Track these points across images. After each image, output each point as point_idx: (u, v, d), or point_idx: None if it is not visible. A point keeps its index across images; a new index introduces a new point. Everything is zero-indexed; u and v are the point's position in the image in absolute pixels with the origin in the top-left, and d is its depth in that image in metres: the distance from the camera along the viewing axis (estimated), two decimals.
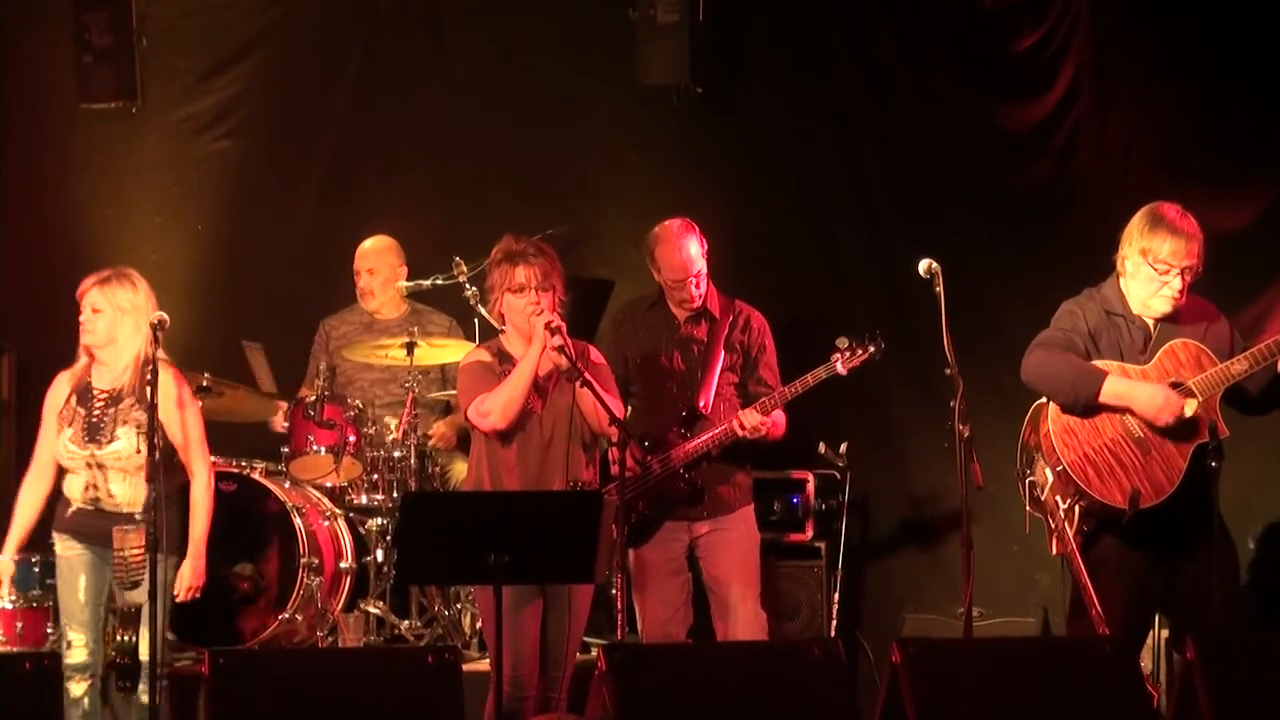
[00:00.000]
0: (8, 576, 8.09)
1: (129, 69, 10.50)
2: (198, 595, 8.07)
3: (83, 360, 8.07)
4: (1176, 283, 7.66)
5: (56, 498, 8.07)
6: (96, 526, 7.94)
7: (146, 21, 10.51)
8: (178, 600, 8.00)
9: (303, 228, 10.75)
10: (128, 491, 7.87)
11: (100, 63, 10.45)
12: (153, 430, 7.69)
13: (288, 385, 10.04)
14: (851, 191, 10.48)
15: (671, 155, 10.51)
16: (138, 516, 7.83)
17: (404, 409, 9.66)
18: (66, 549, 8.05)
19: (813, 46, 10.44)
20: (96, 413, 7.98)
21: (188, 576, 8.00)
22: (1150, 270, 7.68)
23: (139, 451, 7.86)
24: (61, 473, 8.06)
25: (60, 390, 8.07)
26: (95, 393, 7.99)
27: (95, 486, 7.95)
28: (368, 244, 10.15)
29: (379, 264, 10.10)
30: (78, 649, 7.97)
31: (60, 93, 10.61)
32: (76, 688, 7.93)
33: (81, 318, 7.96)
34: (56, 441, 8.00)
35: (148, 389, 7.79)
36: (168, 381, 8.00)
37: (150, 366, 7.72)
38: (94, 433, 7.94)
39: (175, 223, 10.74)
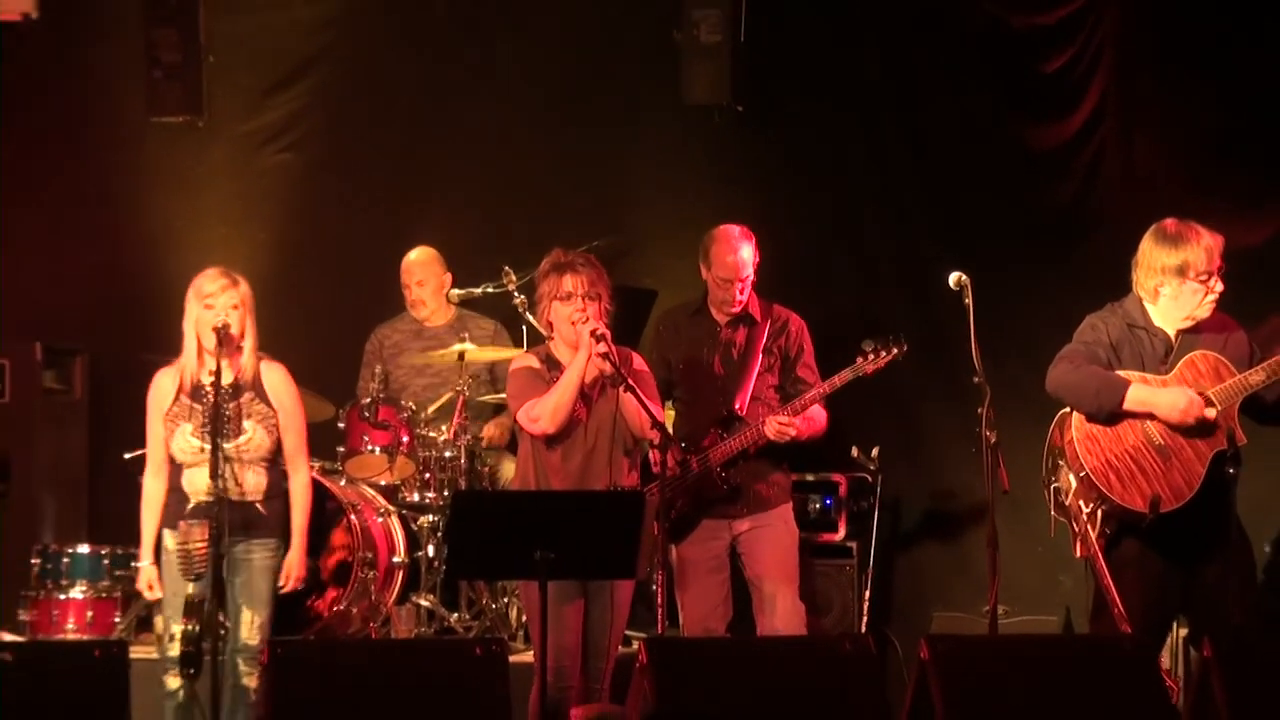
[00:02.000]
0: (156, 579, 7.92)
1: (196, 84, 10.55)
2: (300, 585, 8.06)
3: (186, 357, 7.92)
4: (1218, 284, 7.67)
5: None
6: (204, 514, 7.74)
7: (213, 39, 10.56)
8: (283, 590, 7.96)
9: (359, 237, 10.79)
10: (253, 480, 7.81)
11: (169, 78, 10.51)
12: (217, 429, 7.70)
13: (344, 388, 10.05)
14: (883, 205, 10.49)
15: (713, 171, 10.51)
16: (260, 506, 7.81)
17: (454, 413, 9.67)
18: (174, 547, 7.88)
19: (848, 67, 10.44)
20: (215, 408, 7.80)
21: (295, 567, 7.97)
22: (1194, 285, 7.67)
23: (263, 443, 7.86)
24: (176, 468, 7.92)
25: (164, 389, 7.93)
26: (209, 388, 7.82)
27: (222, 478, 7.76)
28: (413, 256, 10.18)
29: (425, 275, 10.12)
30: (176, 644, 7.75)
31: (130, 107, 10.66)
32: (172, 680, 7.80)
33: (213, 314, 7.79)
34: (171, 440, 7.87)
35: (263, 384, 7.87)
36: (287, 381, 8.01)
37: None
38: (215, 426, 7.76)
39: (238, 232, 10.78)
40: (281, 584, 7.92)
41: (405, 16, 10.85)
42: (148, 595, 8.03)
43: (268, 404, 7.90)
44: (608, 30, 10.68)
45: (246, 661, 7.82)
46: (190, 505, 7.82)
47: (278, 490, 7.93)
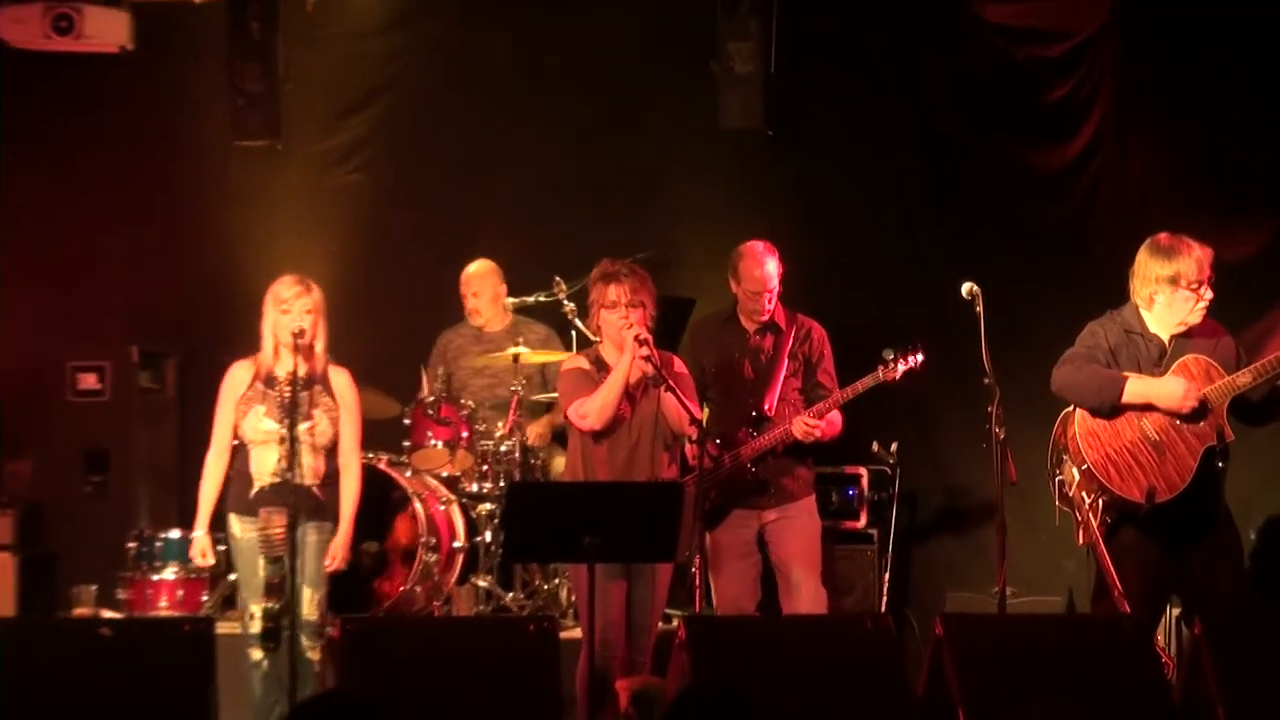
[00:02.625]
0: (210, 548, 7.99)
1: (275, 111, 10.57)
2: (343, 568, 8.04)
3: (265, 351, 7.97)
4: (1208, 292, 7.70)
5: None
6: (277, 500, 7.80)
7: (290, 71, 10.58)
8: (328, 569, 7.96)
9: (421, 250, 10.80)
10: (312, 465, 7.83)
11: (251, 106, 10.53)
12: (294, 420, 7.77)
13: (407, 387, 10.06)
14: (901, 221, 10.50)
15: (745, 190, 10.51)
16: (317, 491, 7.84)
17: (509, 410, 9.70)
18: (245, 531, 7.87)
19: (869, 95, 10.44)
20: (289, 394, 7.86)
21: (340, 549, 7.97)
22: (1186, 293, 7.68)
23: (327, 431, 7.90)
24: (240, 453, 7.98)
25: (240, 377, 7.97)
26: (282, 379, 7.89)
27: (286, 459, 7.83)
28: (471, 268, 10.18)
29: (482, 286, 10.13)
30: (258, 621, 7.81)
31: (216, 132, 10.69)
32: (256, 653, 7.84)
33: (289, 318, 7.87)
34: (243, 421, 7.91)
35: (330, 381, 7.95)
36: (350, 383, 8.07)
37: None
38: (290, 411, 7.83)
39: (312, 244, 10.77)
40: (327, 564, 7.94)
41: (463, 51, 10.86)
42: (199, 561, 8.11)
43: (332, 398, 7.96)
44: (650, 62, 10.68)
45: (309, 636, 7.86)
46: (255, 489, 7.87)
47: (332, 479, 7.95)
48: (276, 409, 7.86)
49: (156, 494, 9.82)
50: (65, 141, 10.60)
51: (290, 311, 7.88)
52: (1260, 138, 9.76)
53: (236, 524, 7.92)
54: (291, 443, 7.78)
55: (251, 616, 7.83)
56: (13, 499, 10.15)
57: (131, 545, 9.14)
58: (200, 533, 7.98)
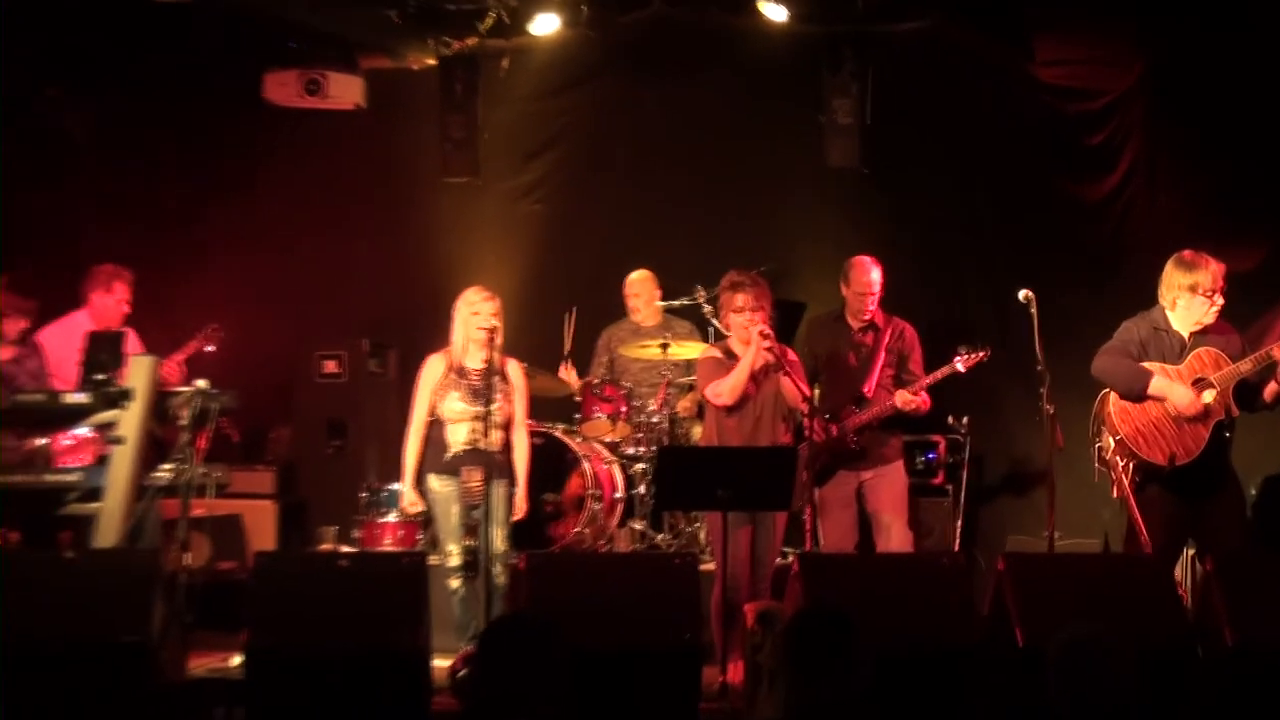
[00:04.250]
0: (417, 498, 8.10)
1: (474, 155, 10.60)
2: (523, 517, 8.15)
3: (455, 346, 8.05)
4: (1219, 299, 7.67)
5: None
6: (473, 461, 7.89)
7: (487, 123, 10.62)
8: (515, 519, 8.06)
9: (590, 263, 10.80)
10: (497, 436, 7.92)
11: (456, 151, 10.57)
12: (488, 400, 7.84)
13: (579, 371, 10.14)
14: (972, 241, 10.44)
15: (846, 216, 10.47)
16: (498, 455, 7.92)
17: (659, 390, 9.74)
18: (443, 486, 7.96)
19: (947, 142, 10.39)
20: (479, 382, 7.95)
21: (521, 501, 8.09)
22: (1202, 299, 7.64)
23: (505, 409, 7.98)
24: (436, 427, 8.04)
25: (436, 368, 8.04)
26: (471, 370, 7.99)
27: (476, 433, 7.93)
28: (633, 276, 10.22)
29: (641, 290, 10.17)
30: (455, 556, 7.93)
31: (428, 170, 10.74)
32: (455, 583, 7.97)
33: (479, 319, 7.98)
34: (440, 404, 7.98)
35: (506, 370, 8.04)
36: (520, 371, 8.16)
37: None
38: (479, 396, 7.92)
39: (503, 261, 10.83)
40: (513, 515, 8.04)
41: (621, 107, 10.89)
42: (408, 509, 8.23)
43: (508, 384, 8.05)
44: (769, 114, 10.66)
45: (499, 564, 7.92)
46: (450, 454, 7.95)
47: (509, 447, 8.05)
48: (467, 393, 7.94)
49: (382, 455, 9.89)
50: (312, 178, 10.71)
51: (480, 314, 7.98)
52: (1259, 174, 9.70)
53: (435, 481, 8.01)
54: (486, 418, 7.88)
55: (449, 554, 7.95)
56: (274, 459, 10.32)
57: (363, 495, 9.24)
58: (407, 486, 8.09)
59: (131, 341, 8.69)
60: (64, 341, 8.72)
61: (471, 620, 7.90)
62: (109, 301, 8.98)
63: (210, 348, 9.38)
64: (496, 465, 7.95)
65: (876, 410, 8.46)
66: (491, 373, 7.97)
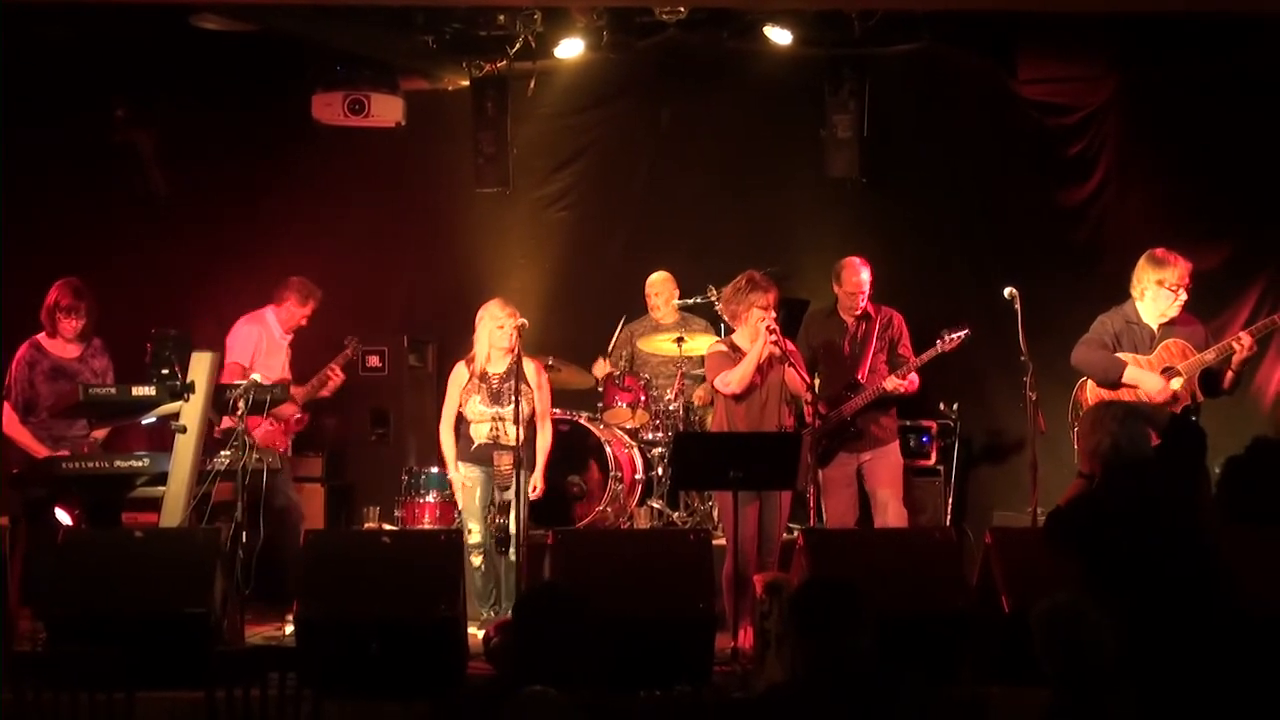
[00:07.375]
0: (459, 483, 8.27)
1: (505, 167, 10.56)
2: (541, 496, 8.22)
3: (478, 352, 8.21)
4: (1183, 295, 7.67)
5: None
6: (492, 454, 8.14)
7: (516, 138, 10.61)
8: (533, 498, 8.14)
9: (612, 266, 10.81)
10: (518, 431, 7.96)
11: (488, 163, 10.54)
12: (516, 400, 7.86)
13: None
14: (962, 243, 10.42)
15: (846, 221, 10.45)
16: (520, 449, 7.93)
17: (676, 380, 9.74)
18: (470, 473, 8.22)
19: (939, 152, 10.37)
20: (498, 386, 8.15)
21: (538, 481, 8.19)
22: (1167, 292, 7.66)
23: (525, 408, 8.03)
24: (463, 422, 8.25)
25: (461, 374, 8.26)
26: (492, 375, 8.16)
27: (495, 429, 8.12)
28: (654, 277, 10.20)
29: (661, 289, 10.14)
30: (476, 535, 8.14)
31: (462, 183, 10.70)
32: (476, 558, 8.11)
33: (501, 331, 8.12)
34: (465, 406, 8.19)
35: (524, 372, 8.10)
36: (539, 370, 8.29)
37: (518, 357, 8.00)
38: (497, 398, 8.14)
39: (532, 265, 10.83)
40: (531, 493, 8.10)
41: (640, 122, 10.87)
42: (458, 493, 8.34)
43: (528, 384, 8.13)
44: (775, 129, 10.65)
45: (516, 545, 7.96)
46: (475, 445, 8.17)
47: (530, 440, 8.14)
48: (488, 397, 8.15)
49: (421, 441, 9.90)
50: (356, 190, 10.70)
51: (504, 327, 8.11)
52: (1220, 182, 9.72)
53: (462, 468, 8.22)
54: (517, 416, 7.94)
55: (471, 533, 8.08)
56: (323, 445, 10.33)
57: (404, 478, 9.22)
58: (453, 473, 8.29)
59: (282, 353, 9.15)
60: (255, 333, 9.10)
61: (491, 589, 8.13)
62: (299, 313, 9.22)
63: (351, 354, 9.50)
64: (516, 458, 7.98)
65: (869, 394, 8.53)
66: (511, 376, 8.06)
